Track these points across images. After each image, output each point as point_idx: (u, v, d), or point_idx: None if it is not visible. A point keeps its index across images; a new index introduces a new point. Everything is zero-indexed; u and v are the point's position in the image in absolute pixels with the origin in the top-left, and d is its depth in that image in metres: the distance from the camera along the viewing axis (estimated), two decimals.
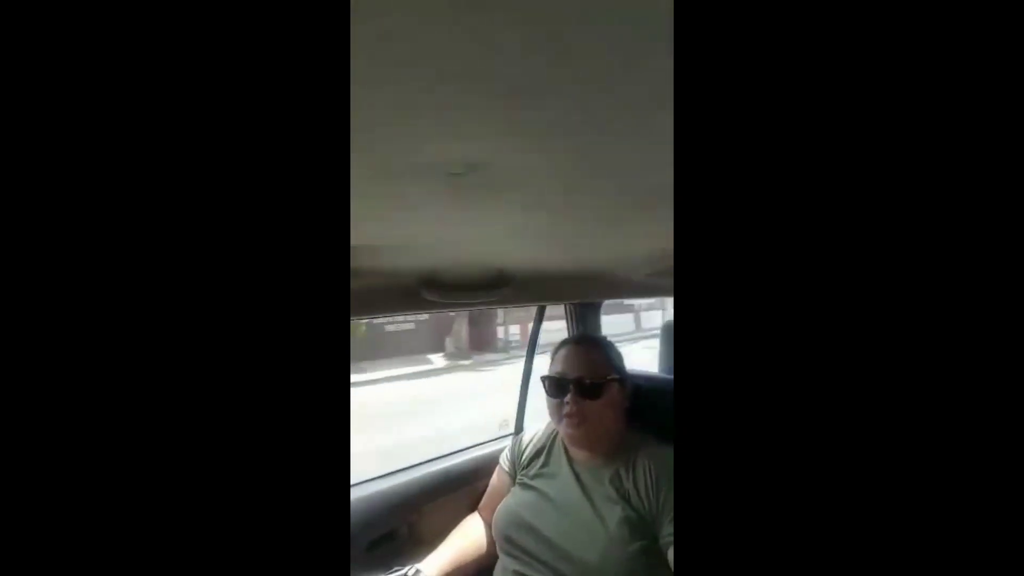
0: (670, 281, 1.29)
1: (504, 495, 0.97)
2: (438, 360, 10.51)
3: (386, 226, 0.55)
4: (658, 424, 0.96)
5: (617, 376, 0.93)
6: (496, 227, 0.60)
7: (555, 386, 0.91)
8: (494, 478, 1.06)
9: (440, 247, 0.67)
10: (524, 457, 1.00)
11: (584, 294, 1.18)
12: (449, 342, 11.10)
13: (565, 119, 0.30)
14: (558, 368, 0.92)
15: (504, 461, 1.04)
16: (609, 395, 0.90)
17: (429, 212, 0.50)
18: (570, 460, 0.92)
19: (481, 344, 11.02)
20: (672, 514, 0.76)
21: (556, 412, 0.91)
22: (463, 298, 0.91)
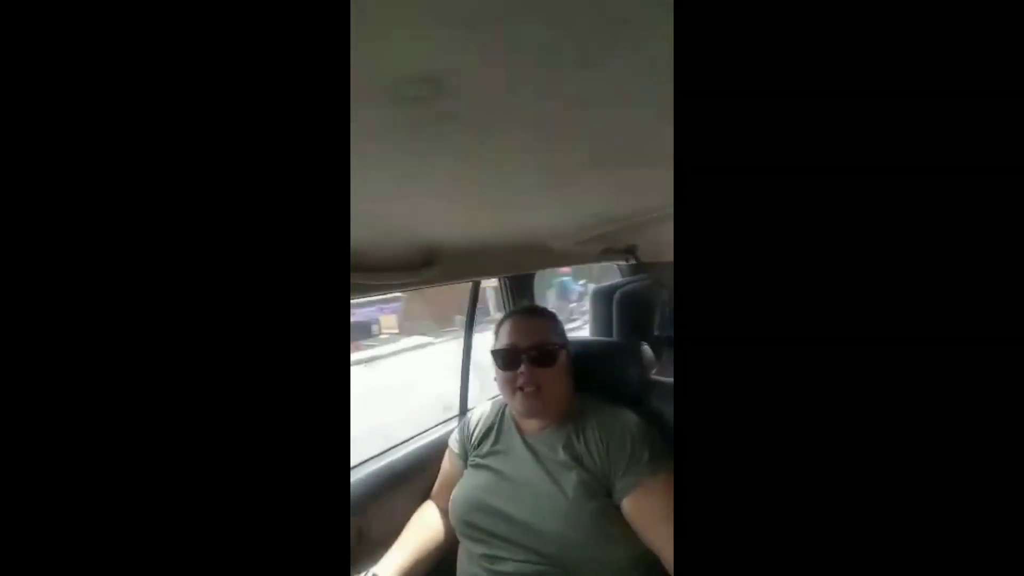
0: (598, 248, 1.32)
1: (457, 479, 0.94)
2: None
3: None
4: (598, 385, 0.98)
5: (564, 342, 0.94)
6: (425, 194, 0.55)
7: (507, 358, 0.90)
8: (445, 463, 1.02)
9: (364, 219, 0.61)
10: (474, 437, 0.97)
11: (517, 266, 1.16)
12: None
13: (521, 43, 0.26)
14: (508, 340, 0.91)
15: (454, 443, 1.01)
16: (560, 363, 0.90)
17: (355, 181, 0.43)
18: (521, 434, 0.91)
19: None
20: (623, 468, 0.79)
21: (509, 385, 0.89)
22: (392, 279, 0.84)
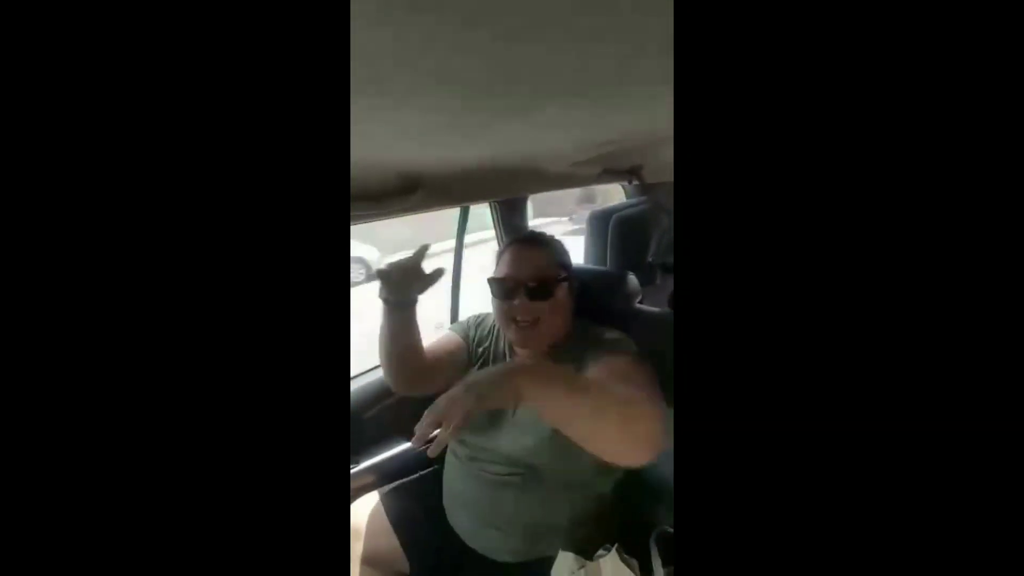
0: (597, 169, 1.25)
1: (455, 360, 0.93)
2: None
3: None
4: (603, 318, 0.97)
5: (565, 275, 0.90)
6: (406, 117, 0.51)
7: (503, 289, 0.88)
8: (443, 340, 0.98)
9: None
10: (473, 341, 0.97)
11: (508, 190, 1.11)
12: None
13: None
14: (505, 271, 0.89)
15: (458, 328, 0.99)
16: (559, 295, 0.88)
17: None
18: (513, 360, 0.91)
19: None
20: (589, 363, 0.78)
21: (505, 315, 0.88)
22: (371, 208, 0.82)
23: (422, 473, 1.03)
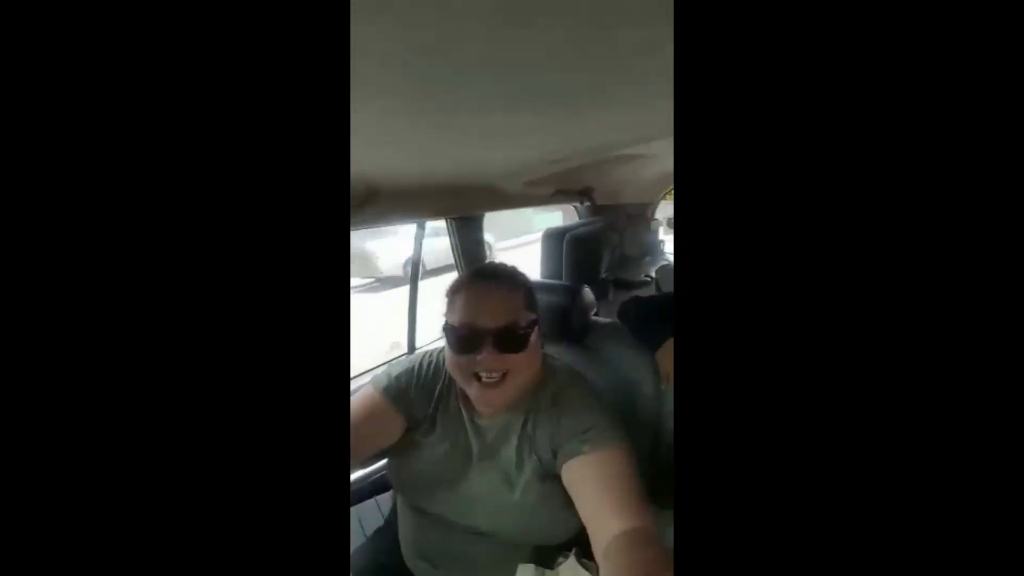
0: (550, 190, 1.29)
1: (382, 431, 0.73)
2: None
3: None
4: (562, 329, 0.95)
5: (535, 317, 0.72)
6: (361, 131, 0.50)
7: (462, 340, 0.67)
8: (363, 404, 0.75)
9: None
10: (412, 391, 0.75)
11: (462, 208, 1.13)
12: None
13: None
14: (465, 316, 0.67)
15: (391, 386, 0.75)
16: (532, 343, 0.70)
17: None
18: (470, 413, 0.74)
19: None
20: (567, 440, 0.66)
21: (464, 371, 0.68)
22: None
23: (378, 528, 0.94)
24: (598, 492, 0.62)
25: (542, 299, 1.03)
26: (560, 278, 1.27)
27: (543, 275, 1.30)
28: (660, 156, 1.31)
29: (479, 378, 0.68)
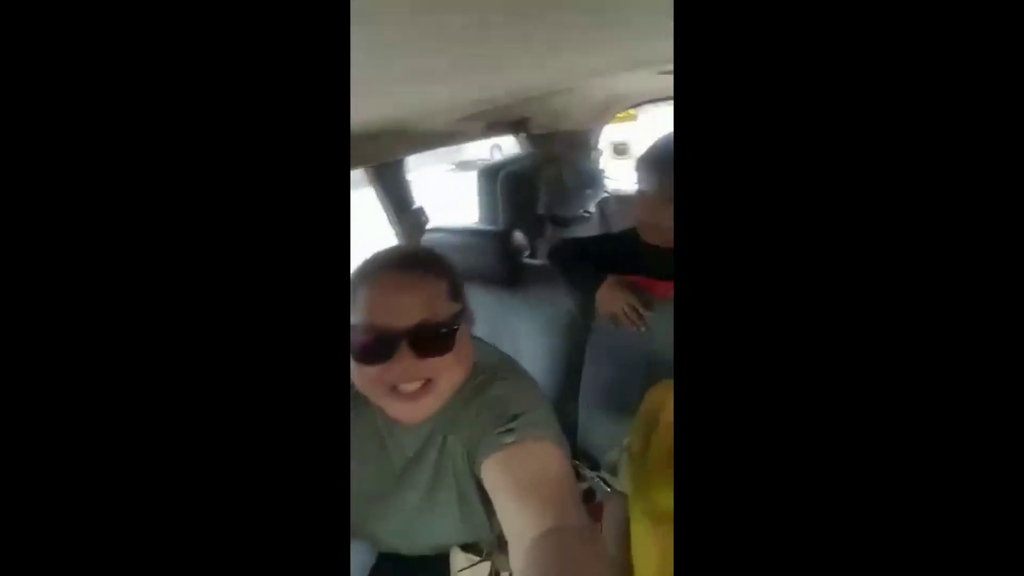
0: (480, 124, 1.22)
1: None
2: None
3: None
4: (490, 277, 0.94)
5: (463, 307, 0.60)
6: None
7: (372, 347, 0.54)
8: None
9: None
10: None
11: (384, 153, 1.06)
12: None
13: None
14: (371, 315, 0.54)
15: None
16: (460, 340, 0.58)
17: None
18: (384, 419, 0.61)
19: None
20: (486, 436, 0.55)
21: (375, 384, 0.55)
22: None
23: None
24: (519, 490, 0.50)
25: (469, 246, 1.02)
26: (498, 219, 1.25)
27: (481, 217, 1.28)
28: (605, 83, 1.24)
29: (396, 390, 0.55)
